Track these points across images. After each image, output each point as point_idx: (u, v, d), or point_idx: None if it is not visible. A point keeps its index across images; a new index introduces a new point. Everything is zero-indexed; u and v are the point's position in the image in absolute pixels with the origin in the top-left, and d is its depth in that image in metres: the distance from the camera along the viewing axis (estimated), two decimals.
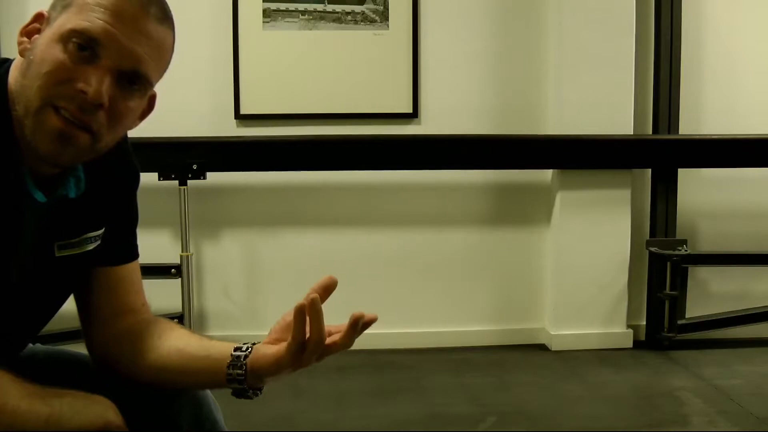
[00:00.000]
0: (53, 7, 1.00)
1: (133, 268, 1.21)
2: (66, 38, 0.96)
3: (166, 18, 1.02)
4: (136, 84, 1.00)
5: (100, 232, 1.15)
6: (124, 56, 0.97)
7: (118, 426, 1.03)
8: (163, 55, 1.03)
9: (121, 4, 0.97)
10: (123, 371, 1.14)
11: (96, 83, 0.95)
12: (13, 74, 1.01)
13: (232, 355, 1.05)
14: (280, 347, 1.01)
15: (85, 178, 1.09)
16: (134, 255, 1.22)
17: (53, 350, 1.26)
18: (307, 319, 0.97)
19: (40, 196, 1.04)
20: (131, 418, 1.07)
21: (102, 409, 1.03)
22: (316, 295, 0.96)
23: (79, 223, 1.11)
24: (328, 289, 1.03)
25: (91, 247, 1.13)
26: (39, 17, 1.01)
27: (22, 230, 1.03)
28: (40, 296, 1.12)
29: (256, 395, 1.07)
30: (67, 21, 0.97)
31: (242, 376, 1.04)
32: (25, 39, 1.01)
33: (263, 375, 1.04)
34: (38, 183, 1.04)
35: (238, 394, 1.07)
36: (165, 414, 1.13)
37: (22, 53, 1.01)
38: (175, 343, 1.13)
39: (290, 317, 1.03)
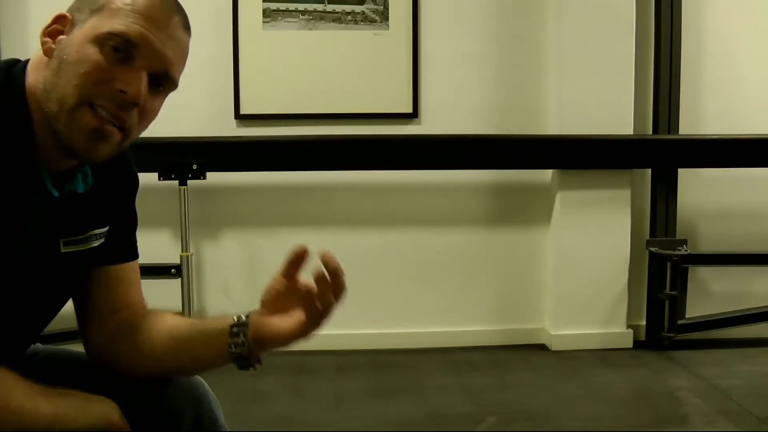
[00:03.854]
0: (78, 9, 1.04)
1: (132, 267, 1.23)
2: (102, 40, 1.00)
3: (187, 25, 1.09)
4: (162, 85, 1.06)
5: (105, 229, 1.17)
6: (156, 59, 1.03)
7: (121, 426, 1.04)
8: (185, 59, 1.09)
9: (154, 11, 1.03)
10: (121, 367, 1.15)
11: (136, 83, 1.00)
12: (34, 73, 1.03)
13: (231, 327, 1.07)
14: (293, 324, 1.03)
15: (92, 174, 1.11)
16: (134, 254, 1.24)
17: (54, 350, 1.27)
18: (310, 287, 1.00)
19: (54, 192, 1.06)
20: (132, 416, 1.07)
21: (106, 409, 1.04)
22: (330, 252, 0.98)
23: (85, 219, 1.13)
24: (300, 261, 1.04)
25: (95, 243, 1.15)
26: (61, 19, 1.04)
27: (29, 225, 1.05)
28: (43, 294, 1.13)
29: (259, 363, 1.09)
30: (100, 24, 1.00)
31: (244, 346, 1.06)
32: (48, 39, 1.04)
33: (268, 347, 1.06)
34: (50, 178, 1.06)
35: (241, 363, 1.08)
36: (166, 412, 1.14)
37: (47, 53, 1.03)
38: (164, 327, 1.15)
39: (279, 286, 1.05)
